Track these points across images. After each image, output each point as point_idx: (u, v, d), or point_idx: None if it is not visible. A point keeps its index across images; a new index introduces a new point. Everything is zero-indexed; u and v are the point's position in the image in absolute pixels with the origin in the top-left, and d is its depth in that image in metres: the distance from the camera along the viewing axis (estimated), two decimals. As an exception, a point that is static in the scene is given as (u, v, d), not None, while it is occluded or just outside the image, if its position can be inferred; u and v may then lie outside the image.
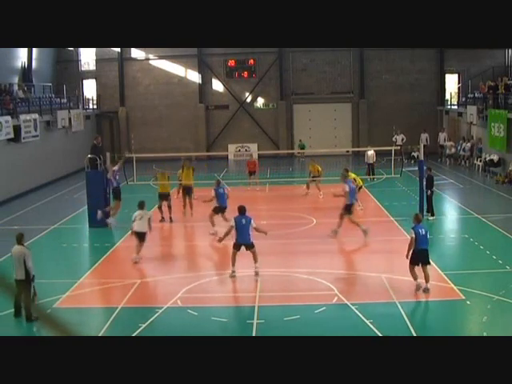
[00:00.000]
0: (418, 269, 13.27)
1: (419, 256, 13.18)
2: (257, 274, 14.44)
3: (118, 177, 20.71)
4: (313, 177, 25.13)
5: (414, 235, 13.19)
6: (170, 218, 20.79)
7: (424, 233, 13.27)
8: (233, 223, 14.60)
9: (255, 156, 38.85)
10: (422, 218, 14.14)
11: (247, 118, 40.94)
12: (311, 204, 23.58)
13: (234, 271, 14.51)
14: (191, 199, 21.28)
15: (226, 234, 14.85)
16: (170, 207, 20.82)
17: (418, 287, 13.23)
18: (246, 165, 27.80)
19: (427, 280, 13.15)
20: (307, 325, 11.77)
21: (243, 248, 14.56)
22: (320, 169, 25.09)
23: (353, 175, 22.04)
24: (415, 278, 13.29)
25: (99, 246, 18.32)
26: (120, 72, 40.64)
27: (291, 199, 25.17)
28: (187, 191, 21.35)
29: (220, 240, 15.34)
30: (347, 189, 17.72)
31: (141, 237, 15.92)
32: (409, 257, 13.29)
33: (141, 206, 16.32)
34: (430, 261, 13.68)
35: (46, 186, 29.88)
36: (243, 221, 14.45)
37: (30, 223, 21.35)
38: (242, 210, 14.69)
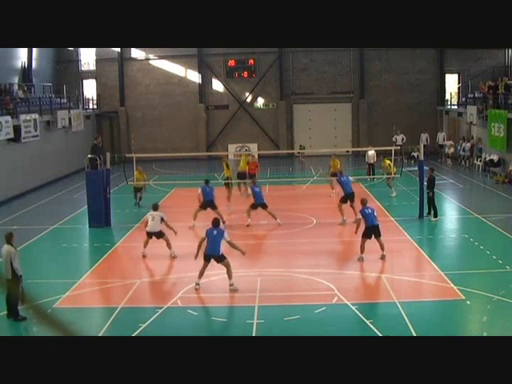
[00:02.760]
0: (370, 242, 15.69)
1: (370, 231, 15.56)
2: (233, 291, 13.66)
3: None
4: (332, 173, 24.98)
5: (360, 217, 15.76)
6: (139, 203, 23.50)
7: (370, 211, 15.72)
8: (204, 235, 14.05)
9: (256, 156, 38.89)
10: (366, 201, 16.43)
11: (247, 118, 40.94)
12: (311, 204, 23.58)
13: (198, 284, 13.76)
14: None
15: (198, 247, 14.09)
16: (140, 198, 23.65)
17: (360, 259, 15.54)
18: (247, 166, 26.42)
19: (382, 249, 15.66)
20: (307, 325, 11.77)
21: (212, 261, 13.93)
22: (339, 166, 25.03)
23: (387, 162, 24.39)
24: (362, 251, 15.56)
25: (99, 245, 18.31)
26: (120, 72, 40.64)
27: (291, 199, 25.17)
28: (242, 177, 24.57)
29: (195, 257, 14.26)
30: (344, 178, 20.45)
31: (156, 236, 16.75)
32: (356, 233, 15.88)
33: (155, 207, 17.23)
34: (430, 260, 14.45)
35: (45, 186, 29.87)
36: (214, 232, 13.84)
37: (29, 223, 21.34)
38: (215, 223, 14.07)
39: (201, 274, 13.83)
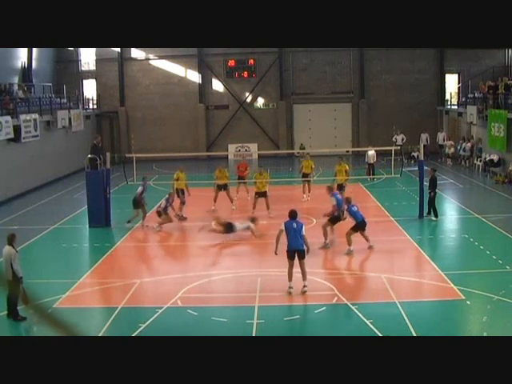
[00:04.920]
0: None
1: (359, 226, 16.43)
2: (304, 292, 13.30)
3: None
4: (303, 174, 24.80)
5: (347, 215, 16.72)
6: (181, 214, 21.26)
7: (356, 209, 16.62)
8: (282, 227, 13.55)
9: (255, 156, 38.90)
10: (350, 199, 17.09)
11: (247, 118, 40.94)
12: (311, 204, 23.57)
13: (291, 287, 13.32)
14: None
15: (277, 241, 13.57)
16: (183, 203, 21.49)
17: (349, 251, 16.23)
18: (237, 168, 25.46)
19: (368, 240, 16.61)
20: (307, 325, 11.76)
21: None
22: (313, 166, 24.61)
23: (346, 167, 23.01)
24: (350, 244, 16.27)
25: (99, 245, 18.30)
26: (120, 72, 40.64)
27: (291, 199, 25.14)
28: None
29: (276, 252, 13.74)
30: (334, 202, 17.42)
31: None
32: (333, 217, 17.01)
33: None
34: (430, 260, 14.75)
35: (45, 186, 29.87)
36: (294, 225, 13.32)
37: (29, 223, 21.33)
38: (293, 215, 13.59)
39: (290, 276, 13.34)
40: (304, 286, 13.31)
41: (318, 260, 16.38)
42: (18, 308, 12.11)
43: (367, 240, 16.62)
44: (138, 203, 20.34)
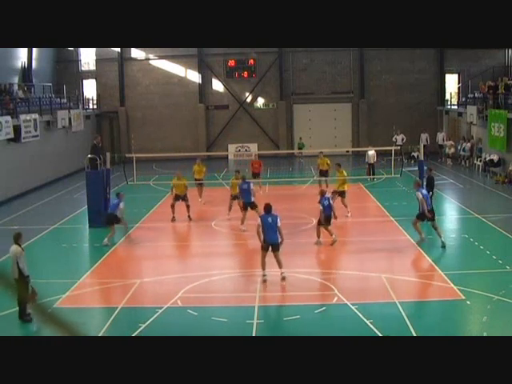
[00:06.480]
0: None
1: (324, 219, 17.24)
2: (283, 278, 14.03)
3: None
4: (320, 171, 25.03)
5: (321, 207, 17.29)
6: (189, 216, 21.12)
7: (327, 204, 17.38)
8: (259, 222, 14.15)
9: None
10: (325, 192, 18.14)
11: (247, 118, 40.94)
12: (311, 204, 23.55)
13: (265, 275, 14.04)
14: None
15: (258, 235, 14.11)
16: (188, 206, 21.12)
17: (318, 242, 17.23)
18: (251, 165, 26.68)
19: (331, 234, 17.26)
20: (307, 325, 11.76)
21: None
22: (329, 162, 24.77)
23: (344, 173, 21.84)
24: (318, 236, 17.33)
25: (99, 246, 18.28)
26: (120, 72, 40.65)
27: (291, 199, 25.16)
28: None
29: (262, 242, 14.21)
30: (420, 196, 16.91)
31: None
32: (320, 220, 17.44)
33: None
34: (430, 260, 14.69)
35: (45, 186, 29.87)
36: (269, 219, 14.00)
37: (29, 223, 21.33)
38: (268, 209, 14.22)
39: (263, 265, 14.07)
40: (282, 273, 14.00)
41: (318, 260, 16.38)
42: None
43: (330, 234, 17.17)
44: (115, 219, 18.26)
